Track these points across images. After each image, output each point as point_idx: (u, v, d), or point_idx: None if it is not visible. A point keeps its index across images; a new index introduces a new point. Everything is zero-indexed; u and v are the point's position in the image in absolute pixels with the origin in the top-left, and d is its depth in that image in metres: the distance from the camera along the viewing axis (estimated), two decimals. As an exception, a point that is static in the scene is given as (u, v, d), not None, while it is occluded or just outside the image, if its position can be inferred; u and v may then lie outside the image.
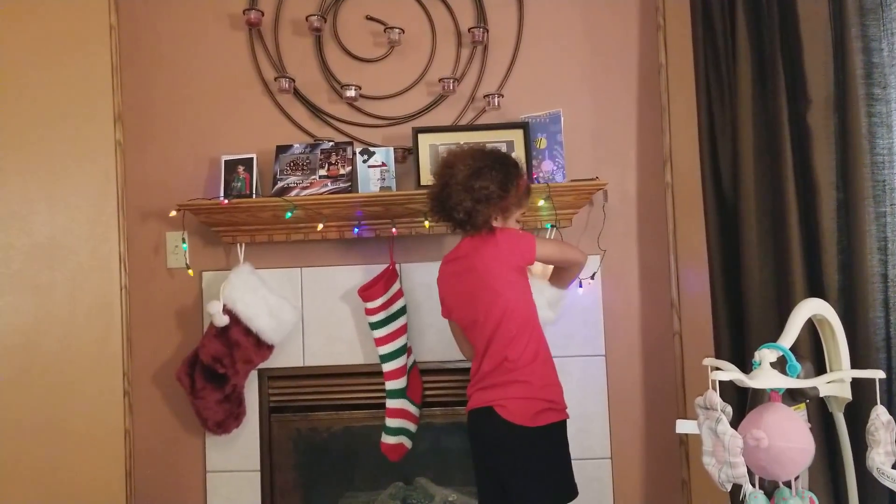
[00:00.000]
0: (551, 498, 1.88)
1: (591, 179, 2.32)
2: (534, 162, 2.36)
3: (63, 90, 2.41)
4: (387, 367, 2.36)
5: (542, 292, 2.21)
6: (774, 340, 1.39)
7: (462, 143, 2.37)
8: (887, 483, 1.32)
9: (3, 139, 2.32)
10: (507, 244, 1.93)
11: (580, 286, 2.39)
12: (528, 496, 1.86)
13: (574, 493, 1.90)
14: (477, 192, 1.90)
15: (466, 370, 2.06)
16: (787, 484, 1.31)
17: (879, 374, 1.36)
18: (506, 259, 1.92)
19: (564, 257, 2.12)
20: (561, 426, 1.91)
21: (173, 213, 2.38)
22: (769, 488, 1.35)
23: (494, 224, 1.96)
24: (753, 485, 1.30)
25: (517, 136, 2.37)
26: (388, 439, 2.33)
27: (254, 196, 2.37)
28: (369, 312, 2.34)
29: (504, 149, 2.37)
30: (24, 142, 2.35)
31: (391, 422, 2.34)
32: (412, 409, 2.37)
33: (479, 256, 1.93)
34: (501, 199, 1.93)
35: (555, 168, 2.34)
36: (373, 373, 2.41)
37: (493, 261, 1.92)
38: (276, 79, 2.49)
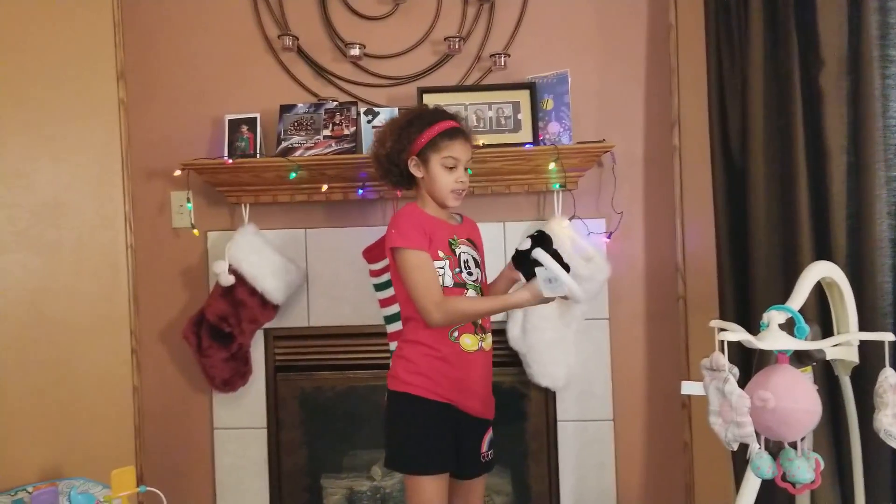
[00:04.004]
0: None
1: (598, 142, 2.30)
2: (540, 123, 2.34)
3: (65, 47, 2.37)
4: (391, 328, 2.36)
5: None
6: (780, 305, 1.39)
7: (467, 103, 2.35)
8: (894, 444, 1.33)
9: (6, 97, 2.29)
10: (390, 225, 1.87)
11: (608, 237, 2.40)
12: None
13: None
14: (377, 143, 1.94)
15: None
16: (793, 445, 1.32)
17: (889, 337, 1.36)
18: (384, 243, 1.91)
19: (412, 293, 1.83)
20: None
21: (178, 173, 2.36)
22: (774, 449, 1.36)
23: (417, 171, 1.87)
24: (759, 445, 1.31)
25: (523, 96, 2.35)
26: (392, 399, 2.35)
27: (258, 156, 2.36)
28: (374, 274, 2.33)
29: (510, 109, 2.35)
30: (27, 99, 2.32)
31: (396, 382, 2.35)
32: (417, 369, 2.38)
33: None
34: (403, 132, 1.87)
35: (561, 130, 2.32)
36: (377, 333, 2.42)
37: (384, 242, 1.92)
38: (279, 37, 2.45)
